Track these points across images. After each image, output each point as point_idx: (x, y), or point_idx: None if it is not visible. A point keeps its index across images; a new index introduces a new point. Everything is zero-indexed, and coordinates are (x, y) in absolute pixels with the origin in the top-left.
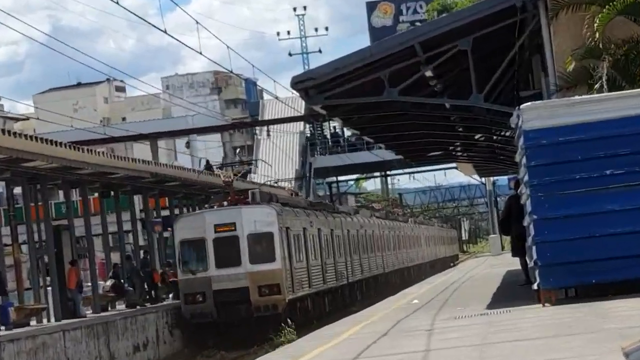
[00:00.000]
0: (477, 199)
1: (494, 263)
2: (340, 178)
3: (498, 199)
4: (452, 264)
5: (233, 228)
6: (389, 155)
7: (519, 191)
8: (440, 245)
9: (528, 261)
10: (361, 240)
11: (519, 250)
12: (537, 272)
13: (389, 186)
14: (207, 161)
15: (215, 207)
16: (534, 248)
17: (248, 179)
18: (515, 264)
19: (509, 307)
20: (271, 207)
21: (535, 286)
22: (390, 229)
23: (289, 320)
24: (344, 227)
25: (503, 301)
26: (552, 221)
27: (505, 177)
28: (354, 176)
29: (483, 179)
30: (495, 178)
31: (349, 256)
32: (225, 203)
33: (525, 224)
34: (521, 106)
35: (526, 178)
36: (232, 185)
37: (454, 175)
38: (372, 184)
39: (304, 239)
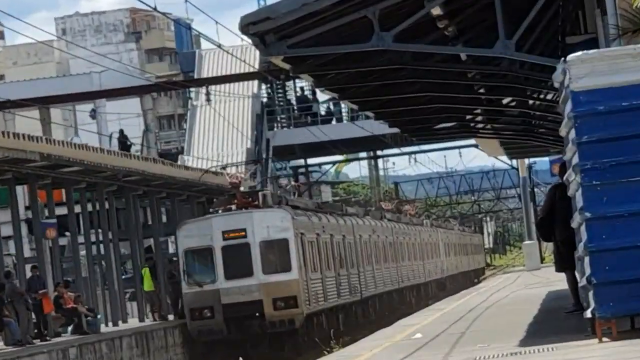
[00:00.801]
0: (506, 190)
1: (531, 281)
2: (311, 161)
3: (536, 189)
4: (476, 280)
5: (243, 234)
6: (379, 128)
7: (565, 178)
8: (462, 256)
9: (578, 278)
10: (374, 249)
11: (565, 262)
12: (591, 294)
13: (381, 172)
14: (122, 131)
15: (220, 211)
16: (586, 259)
17: (180, 161)
18: (560, 282)
19: (552, 344)
20: (285, 211)
21: (588, 313)
22: (405, 234)
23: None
24: (356, 232)
25: (543, 335)
26: (613, 221)
27: (546, 159)
28: (331, 158)
29: (514, 162)
30: (532, 160)
31: (362, 267)
32: (232, 207)
33: (574, 225)
34: (568, 57)
35: (576, 160)
36: (240, 187)
37: (472, 157)
38: (356, 170)
39: (317, 247)
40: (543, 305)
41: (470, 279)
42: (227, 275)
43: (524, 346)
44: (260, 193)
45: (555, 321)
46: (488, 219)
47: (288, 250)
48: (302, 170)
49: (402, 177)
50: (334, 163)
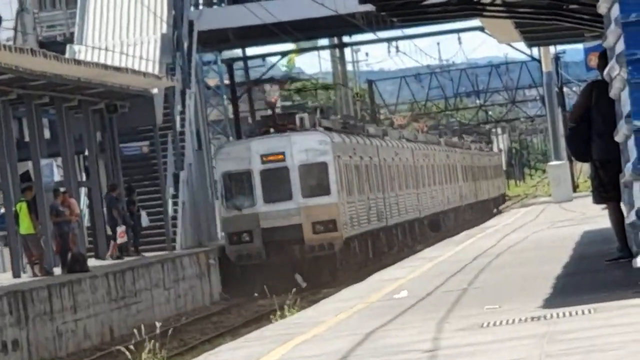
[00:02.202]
0: (524, 90)
1: (559, 217)
2: (252, 51)
3: (566, 89)
4: (495, 210)
5: (282, 158)
6: (346, 5)
7: (606, 73)
8: (481, 181)
9: (625, 212)
10: (396, 172)
11: (607, 191)
12: None
13: (349, 67)
14: None
15: (257, 132)
16: (637, 186)
17: (69, 53)
18: (600, 217)
19: (588, 305)
20: (324, 134)
21: (639, 261)
22: (425, 156)
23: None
24: (380, 154)
25: (576, 292)
26: None
27: (580, 47)
28: (279, 47)
29: (535, 51)
30: (560, 49)
31: (387, 192)
32: (271, 130)
33: (618, 138)
34: None
35: (621, 47)
36: (275, 108)
37: (477, 45)
38: (315, 64)
39: (351, 170)
40: (576, 250)
41: (488, 208)
42: (266, 199)
43: (550, 307)
44: (297, 115)
45: (592, 273)
46: (499, 130)
47: (327, 173)
48: (240, 64)
49: (379, 74)
50: (283, 54)
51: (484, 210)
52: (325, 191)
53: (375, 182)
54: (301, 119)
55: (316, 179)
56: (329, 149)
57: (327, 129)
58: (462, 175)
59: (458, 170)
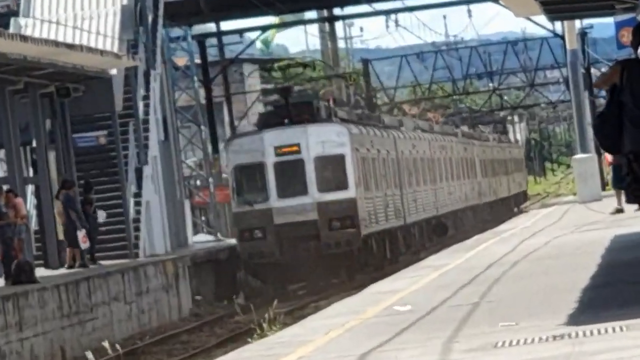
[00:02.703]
0: (545, 71)
1: (585, 219)
2: (227, 25)
3: (594, 70)
4: (517, 209)
5: (297, 150)
6: None
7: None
8: (501, 176)
9: None
10: (413, 167)
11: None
12: None
13: (341, 44)
14: None
15: (270, 123)
16: None
17: (14, 27)
18: (634, 219)
19: (619, 321)
20: (342, 125)
21: None
22: (442, 148)
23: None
24: (398, 147)
25: (605, 307)
26: None
27: (610, 21)
28: (258, 21)
29: (557, 26)
30: (587, 23)
31: (405, 188)
32: (285, 121)
33: None
34: None
35: None
36: (289, 98)
37: (489, 19)
38: (301, 40)
39: (369, 164)
40: (605, 258)
41: (508, 207)
42: (280, 194)
43: (575, 324)
44: (315, 106)
45: (624, 284)
46: (516, 118)
47: (344, 166)
48: (213, 40)
49: (376, 52)
50: (263, 29)
51: (504, 209)
52: (343, 185)
53: (392, 177)
54: (318, 109)
55: (333, 172)
56: (347, 141)
57: (344, 120)
58: (481, 170)
59: (476, 164)
